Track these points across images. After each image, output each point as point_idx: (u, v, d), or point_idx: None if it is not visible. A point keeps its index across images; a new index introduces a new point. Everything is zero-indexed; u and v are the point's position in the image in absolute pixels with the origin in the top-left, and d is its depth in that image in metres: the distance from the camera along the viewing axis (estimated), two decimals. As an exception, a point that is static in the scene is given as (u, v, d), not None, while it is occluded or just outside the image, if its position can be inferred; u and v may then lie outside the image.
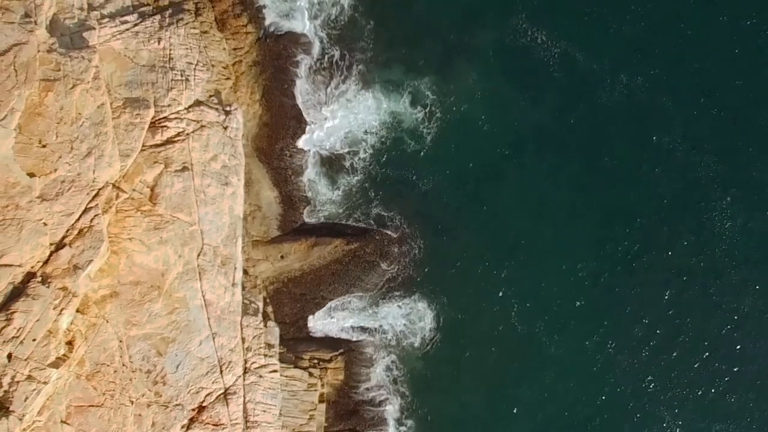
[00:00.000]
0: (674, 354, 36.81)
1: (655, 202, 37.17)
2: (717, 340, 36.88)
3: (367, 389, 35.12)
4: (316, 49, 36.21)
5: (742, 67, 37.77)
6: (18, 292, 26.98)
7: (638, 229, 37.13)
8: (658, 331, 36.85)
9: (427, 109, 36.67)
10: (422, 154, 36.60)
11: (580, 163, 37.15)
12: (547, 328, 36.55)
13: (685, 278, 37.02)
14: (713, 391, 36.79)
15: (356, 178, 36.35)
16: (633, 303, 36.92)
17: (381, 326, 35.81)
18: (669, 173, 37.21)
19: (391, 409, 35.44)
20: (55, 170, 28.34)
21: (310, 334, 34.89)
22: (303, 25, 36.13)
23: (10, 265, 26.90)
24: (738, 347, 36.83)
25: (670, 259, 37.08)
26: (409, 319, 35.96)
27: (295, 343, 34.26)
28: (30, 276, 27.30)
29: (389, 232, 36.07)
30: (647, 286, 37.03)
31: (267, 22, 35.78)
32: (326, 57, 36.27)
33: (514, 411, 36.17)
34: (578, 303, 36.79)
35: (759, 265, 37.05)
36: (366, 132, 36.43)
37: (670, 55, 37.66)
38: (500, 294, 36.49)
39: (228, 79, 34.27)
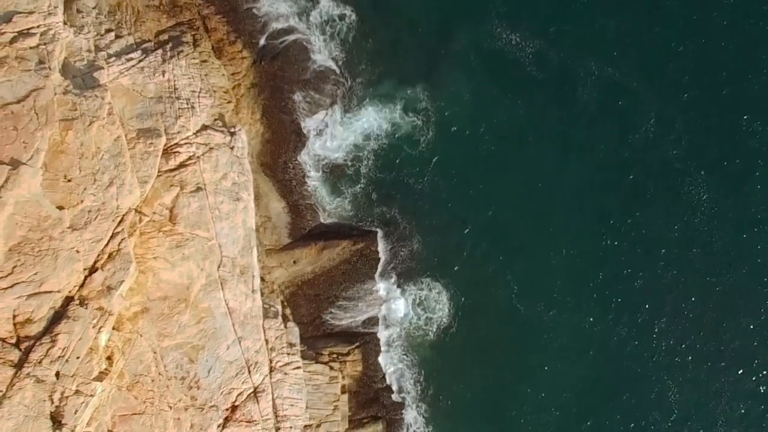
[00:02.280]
0: (672, 325, 38.29)
1: (637, 181, 38.81)
2: (707, 307, 38.43)
3: (385, 377, 36.83)
4: (313, 65, 37.87)
5: (705, 51, 39.61)
6: (59, 315, 28.72)
7: (625, 207, 38.80)
8: (653, 304, 38.40)
9: (421, 115, 38.49)
10: (419, 156, 38.43)
11: (564, 152, 38.95)
12: (547, 308, 38.11)
13: (673, 250, 38.63)
14: (713, 357, 38.18)
15: (359, 183, 38.02)
16: (626, 278, 38.49)
17: (393, 317, 37.47)
18: (646, 154, 38.90)
19: (409, 393, 37.02)
20: (82, 201, 29.95)
21: (327, 331, 36.53)
22: (310, 41, 37.99)
23: (50, 292, 28.63)
24: (726, 312, 38.47)
25: (657, 234, 38.67)
26: (418, 308, 37.60)
27: (314, 341, 35.89)
28: (69, 300, 29.01)
29: (393, 230, 37.80)
30: (639, 260, 38.56)
31: (260, 45, 37.57)
32: (323, 72, 37.94)
33: (522, 389, 37.72)
34: (575, 281, 38.39)
35: (736, 231, 38.77)
36: (365, 140, 38.09)
37: (638, 44, 39.50)
38: (500, 278, 38.03)
39: (229, 102, 36.17)
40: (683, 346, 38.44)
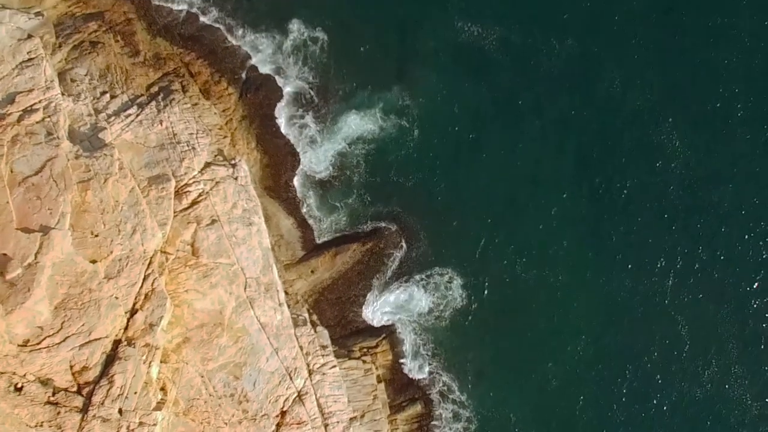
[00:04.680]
0: (675, 268, 39.66)
1: (611, 139, 40.73)
2: (704, 247, 40.10)
3: (413, 361, 38.55)
4: (295, 89, 40.04)
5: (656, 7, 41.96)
6: (111, 358, 31.19)
7: (605, 165, 40.50)
8: (653, 253, 39.75)
9: (403, 116, 40.25)
10: (408, 154, 40.17)
11: (542, 124, 40.82)
12: (551, 273, 39.65)
13: (658, 198, 40.28)
14: (717, 292, 39.59)
15: (355, 189, 39.63)
16: (624, 233, 40.09)
17: (409, 305, 39.06)
18: (615, 112, 40.92)
19: (433, 366, 38.56)
20: (112, 252, 32.22)
21: (354, 328, 38.25)
22: (281, 70, 40.15)
23: (99, 338, 31.08)
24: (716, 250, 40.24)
25: (643, 185, 40.32)
26: (432, 292, 39.13)
27: (344, 339, 37.75)
28: (117, 342, 31.40)
29: (396, 225, 39.44)
30: (627, 213, 40.26)
31: (243, 79, 39.73)
32: (304, 93, 39.97)
33: (540, 348, 39.30)
34: (575, 244, 39.88)
35: (711, 174, 40.82)
36: (352, 147, 39.75)
37: (590, 14, 41.62)
38: (504, 254, 39.67)
39: (225, 137, 38.20)
40: (690, 282, 39.83)
